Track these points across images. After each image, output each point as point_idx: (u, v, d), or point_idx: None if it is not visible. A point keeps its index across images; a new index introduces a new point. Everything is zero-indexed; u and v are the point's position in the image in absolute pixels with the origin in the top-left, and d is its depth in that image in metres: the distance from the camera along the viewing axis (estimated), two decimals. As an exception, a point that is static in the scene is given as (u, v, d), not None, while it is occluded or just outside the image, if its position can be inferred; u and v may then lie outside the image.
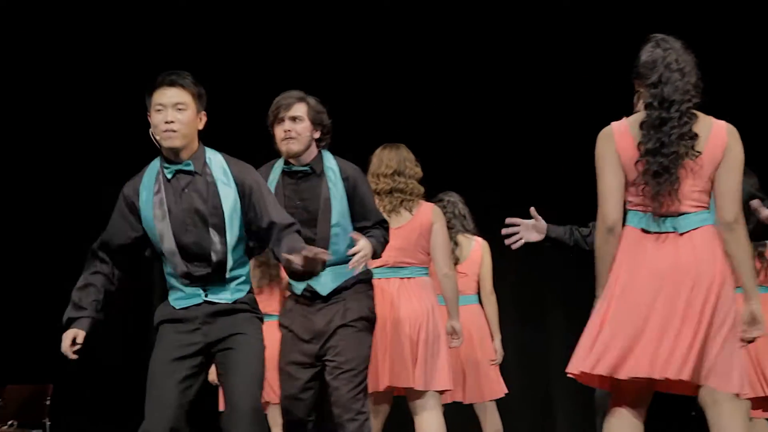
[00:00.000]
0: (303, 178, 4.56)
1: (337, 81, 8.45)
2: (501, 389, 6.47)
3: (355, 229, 4.58)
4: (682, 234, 3.49)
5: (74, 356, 4.13)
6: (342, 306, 4.56)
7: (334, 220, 4.51)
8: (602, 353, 3.44)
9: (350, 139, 7.57)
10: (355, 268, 4.44)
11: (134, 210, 4.08)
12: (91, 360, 7.99)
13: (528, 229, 4.37)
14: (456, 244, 6.27)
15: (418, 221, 5.35)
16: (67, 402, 8.23)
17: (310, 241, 4.28)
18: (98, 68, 8.78)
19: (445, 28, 8.75)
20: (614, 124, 3.60)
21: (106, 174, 8.52)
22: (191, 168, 4.03)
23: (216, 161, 4.11)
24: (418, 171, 5.44)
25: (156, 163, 4.11)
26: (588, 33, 8.37)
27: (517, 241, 4.32)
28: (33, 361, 8.30)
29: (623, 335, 3.45)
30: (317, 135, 4.56)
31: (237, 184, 4.06)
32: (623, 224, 3.59)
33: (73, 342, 4.09)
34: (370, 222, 4.67)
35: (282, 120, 4.51)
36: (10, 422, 7.73)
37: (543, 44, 8.47)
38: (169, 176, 4.04)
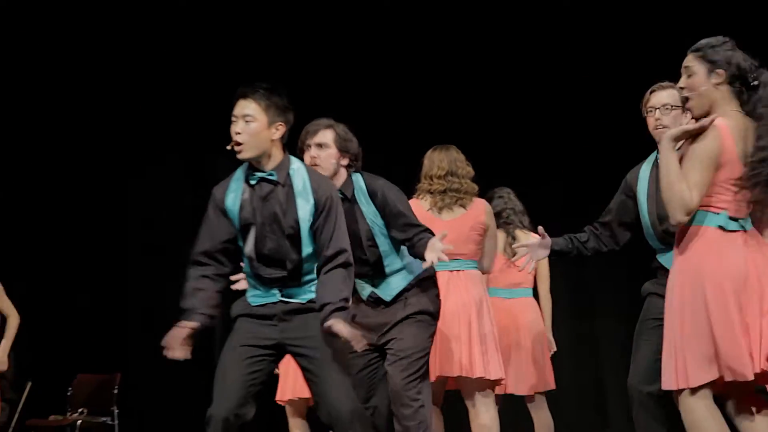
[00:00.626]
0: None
1: (369, 85, 8.41)
2: (551, 382, 6.43)
3: (401, 241, 4.60)
4: (747, 232, 3.62)
5: (181, 355, 4.15)
6: (403, 303, 4.62)
7: (378, 240, 4.57)
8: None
9: (385, 141, 7.74)
10: (413, 271, 4.57)
11: (224, 212, 4.16)
12: (157, 350, 8.40)
13: (536, 249, 4.56)
14: (514, 238, 6.32)
15: (471, 215, 5.39)
16: (134, 390, 8.38)
17: (363, 262, 4.48)
18: (121, 66, 8.72)
19: (473, 28, 8.59)
20: (719, 121, 3.60)
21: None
22: (274, 178, 4.10)
23: (299, 173, 4.15)
24: (470, 170, 5.49)
25: (243, 168, 4.19)
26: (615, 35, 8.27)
27: (528, 262, 4.52)
28: (101, 351, 8.47)
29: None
30: (345, 162, 4.58)
31: (315, 199, 4.11)
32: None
33: (184, 341, 4.12)
34: (413, 231, 4.60)
35: (309, 147, 4.55)
36: (80, 410, 7.94)
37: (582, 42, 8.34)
38: (252, 183, 4.11)
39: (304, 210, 4.08)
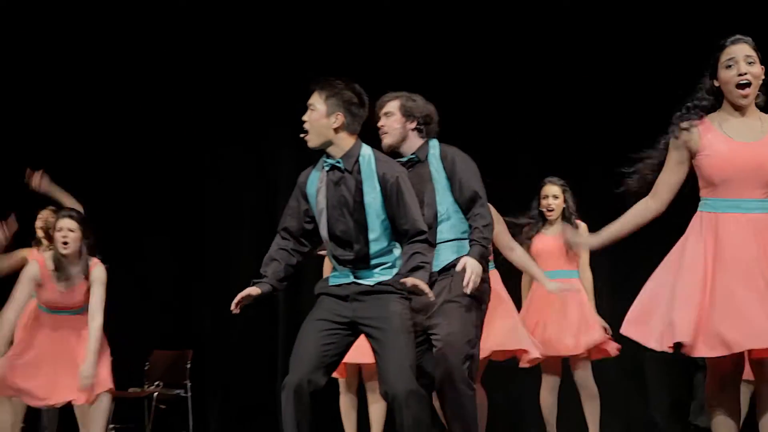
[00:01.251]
0: (410, 167, 4.54)
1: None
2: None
3: (460, 207, 4.51)
4: None
5: (236, 310, 4.26)
6: (449, 282, 4.52)
7: (439, 200, 4.49)
8: None
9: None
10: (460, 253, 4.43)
11: (305, 195, 4.30)
12: (225, 330, 8.60)
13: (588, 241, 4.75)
14: (577, 227, 6.44)
15: None
16: (204, 366, 8.61)
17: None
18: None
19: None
20: None
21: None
22: (341, 165, 4.20)
23: (367, 160, 4.25)
24: None
25: (324, 156, 4.32)
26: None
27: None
28: (175, 330, 8.74)
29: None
30: (412, 125, 4.56)
31: (381, 185, 4.19)
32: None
33: (246, 299, 4.25)
34: (473, 200, 4.53)
35: (379, 118, 4.60)
36: (156, 383, 8.21)
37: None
38: (326, 169, 4.25)
39: (370, 196, 4.18)
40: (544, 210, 6.46)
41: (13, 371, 5.83)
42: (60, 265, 5.79)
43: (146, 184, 8.92)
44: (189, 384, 8.37)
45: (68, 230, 5.79)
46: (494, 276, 5.75)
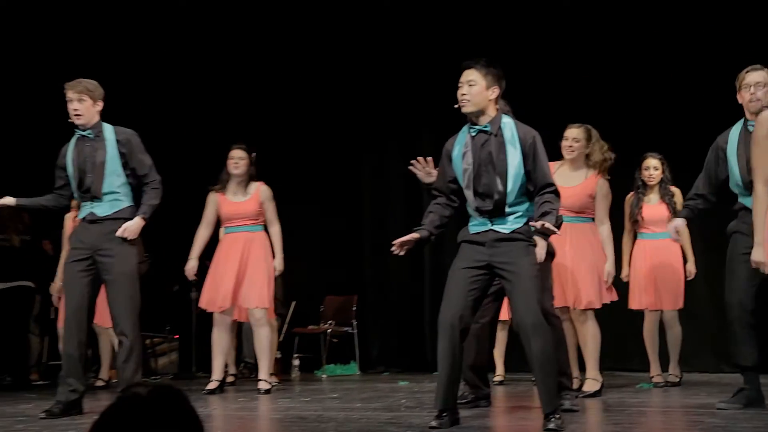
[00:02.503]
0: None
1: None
2: (680, 302, 6.78)
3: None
4: None
5: (400, 251, 4.40)
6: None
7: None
8: None
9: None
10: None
11: (450, 159, 4.43)
12: (385, 279, 9.31)
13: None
14: (673, 194, 6.69)
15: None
16: (370, 310, 9.29)
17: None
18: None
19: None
20: None
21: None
22: (489, 130, 4.33)
23: (508, 126, 4.37)
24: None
25: (467, 125, 4.42)
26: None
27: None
28: (344, 277, 9.32)
29: None
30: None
31: (521, 145, 4.31)
32: None
33: (408, 243, 4.40)
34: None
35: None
36: (329, 322, 8.92)
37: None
38: (473, 134, 4.36)
39: (513, 155, 4.32)
40: (645, 180, 6.68)
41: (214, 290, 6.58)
42: (231, 184, 6.66)
43: (322, 163, 9.38)
44: (355, 323, 8.99)
45: (239, 158, 6.72)
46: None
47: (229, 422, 5.04)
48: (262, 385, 6.57)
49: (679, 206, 6.52)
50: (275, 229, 6.75)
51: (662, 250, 6.64)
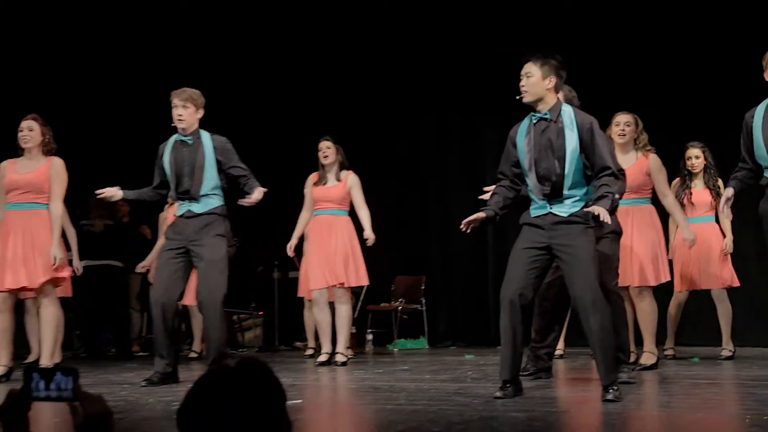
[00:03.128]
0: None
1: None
2: (733, 280, 6.71)
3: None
4: None
5: (467, 228, 4.37)
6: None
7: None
8: None
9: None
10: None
11: (514, 144, 4.40)
12: (450, 261, 9.33)
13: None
14: (717, 179, 6.59)
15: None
16: (438, 289, 9.28)
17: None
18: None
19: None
20: None
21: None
22: (548, 117, 4.28)
23: (566, 113, 4.31)
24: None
25: (529, 114, 4.39)
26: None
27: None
28: (412, 259, 9.38)
29: None
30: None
31: (579, 130, 4.24)
32: None
33: (475, 222, 4.36)
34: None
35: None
36: (400, 300, 8.92)
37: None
38: (534, 121, 4.33)
39: (571, 139, 4.25)
40: (690, 168, 6.59)
41: None
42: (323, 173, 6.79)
43: (391, 155, 9.33)
44: (423, 300, 8.98)
45: (327, 148, 6.80)
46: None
47: (309, 391, 5.10)
48: (339, 358, 6.63)
49: (722, 190, 6.36)
50: (364, 213, 6.82)
51: (705, 232, 6.56)
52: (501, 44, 8.11)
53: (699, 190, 6.64)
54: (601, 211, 4.04)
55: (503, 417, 3.63)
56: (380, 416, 3.75)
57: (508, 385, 4.27)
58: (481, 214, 4.38)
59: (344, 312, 6.77)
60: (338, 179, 6.82)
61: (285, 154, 8.40)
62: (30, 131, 5.83)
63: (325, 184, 6.83)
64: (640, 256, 5.90)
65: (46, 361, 5.70)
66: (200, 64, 8.72)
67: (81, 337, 8.38)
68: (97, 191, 5.48)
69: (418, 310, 9.08)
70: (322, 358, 6.70)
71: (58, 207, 5.81)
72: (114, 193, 5.50)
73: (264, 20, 9.04)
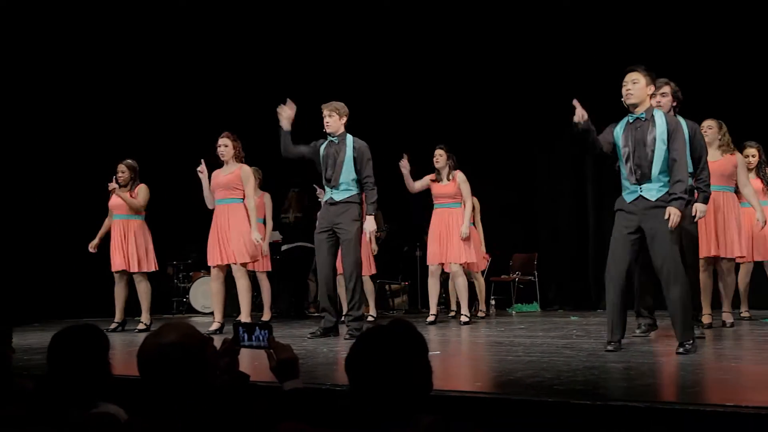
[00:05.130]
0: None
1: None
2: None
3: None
4: None
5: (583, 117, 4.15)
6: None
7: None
8: None
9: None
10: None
11: (612, 137, 4.25)
12: (557, 240, 9.03)
13: None
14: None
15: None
16: (547, 263, 9.08)
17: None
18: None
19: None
20: None
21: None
22: (644, 117, 4.15)
23: (659, 114, 4.19)
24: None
25: (624, 118, 4.24)
26: None
27: None
28: (527, 239, 9.25)
29: None
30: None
31: (667, 131, 4.10)
32: None
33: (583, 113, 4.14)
34: (698, 158, 4.39)
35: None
36: (516, 272, 8.92)
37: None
38: (631, 121, 4.19)
39: (660, 136, 4.10)
40: (747, 164, 6.16)
41: None
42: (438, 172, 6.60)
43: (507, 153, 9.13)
44: (536, 273, 8.93)
45: (439, 155, 6.75)
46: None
47: (443, 344, 5.11)
48: (463, 319, 6.65)
49: None
50: (468, 204, 6.82)
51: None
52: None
53: (753, 180, 6.33)
54: (673, 213, 3.96)
55: (603, 366, 3.53)
56: (502, 365, 3.72)
57: (613, 343, 4.18)
58: (586, 116, 4.16)
59: (461, 282, 6.77)
60: (450, 178, 6.80)
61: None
62: (225, 147, 6.10)
63: (438, 181, 6.83)
64: (729, 233, 5.77)
65: (245, 318, 5.95)
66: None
67: (274, 301, 8.72)
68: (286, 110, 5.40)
69: (532, 280, 8.99)
70: (430, 318, 6.75)
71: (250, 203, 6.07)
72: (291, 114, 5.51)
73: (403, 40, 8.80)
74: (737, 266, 6.25)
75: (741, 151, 6.29)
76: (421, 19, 8.47)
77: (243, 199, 6.00)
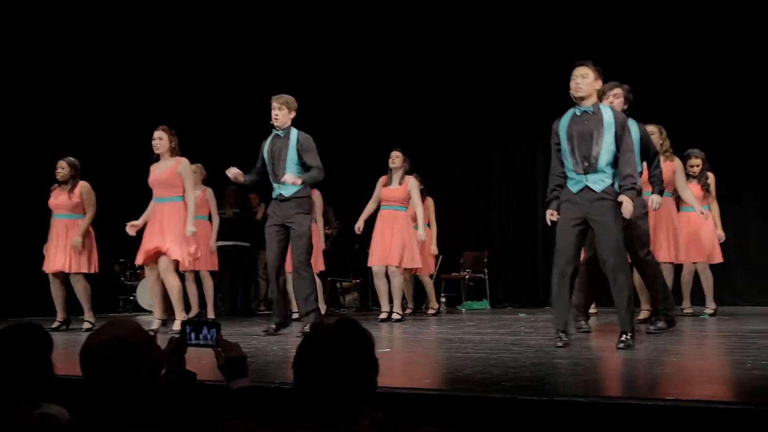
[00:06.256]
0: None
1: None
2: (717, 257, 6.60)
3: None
4: None
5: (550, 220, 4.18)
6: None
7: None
8: None
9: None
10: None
11: (558, 134, 4.25)
12: (506, 239, 9.19)
13: None
14: (707, 177, 6.59)
15: None
16: (497, 261, 9.22)
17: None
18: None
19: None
20: None
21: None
22: (590, 110, 4.17)
23: (606, 110, 4.21)
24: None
25: (570, 111, 4.23)
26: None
27: None
28: (478, 238, 9.27)
29: None
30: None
31: (615, 126, 4.13)
32: None
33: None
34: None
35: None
36: (467, 270, 8.94)
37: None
38: (578, 113, 4.20)
39: (608, 132, 4.13)
40: (689, 172, 6.54)
41: None
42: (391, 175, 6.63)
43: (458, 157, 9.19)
44: (486, 271, 9.05)
45: (395, 157, 6.76)
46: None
47: (393, 342, 5.12)
48: (394, 317, 6.71)
49: (711, 188, 6.62)
50: (419, 211, 6.82)
51: (695, 219, 6.50)
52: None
53: (693, 184, 6.62)
54: (621, 199, 4.02)
55: (550, 362, 3.59)
56: (452, 362, 3.76)
57: (562, 333, 4.19)
58: (550, 213, 4.31)
59: (396, 282, 6.80)
60: (401, 182, 6.79)
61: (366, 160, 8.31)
62: (160, 140, 5.82)
63: (390, 184, 6.82)
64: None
65: (179, 317, 5.73)
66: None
67: (222, 299, 8.52)
68: (231, 173, 5.42)
69: (482, 278, 9.07)
70: (382, 315, 6.75)
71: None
72: (238, 176, 5.49)
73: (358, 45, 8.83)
74: (679, 266, 6.46)
75: (685, 159, 6.50)
76: (376, 19, 8.51)
77: (183, 196, 5.75)
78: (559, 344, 4.12)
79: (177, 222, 5.67)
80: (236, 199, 8.17)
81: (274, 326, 5.37)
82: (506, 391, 2.71)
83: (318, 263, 7.13)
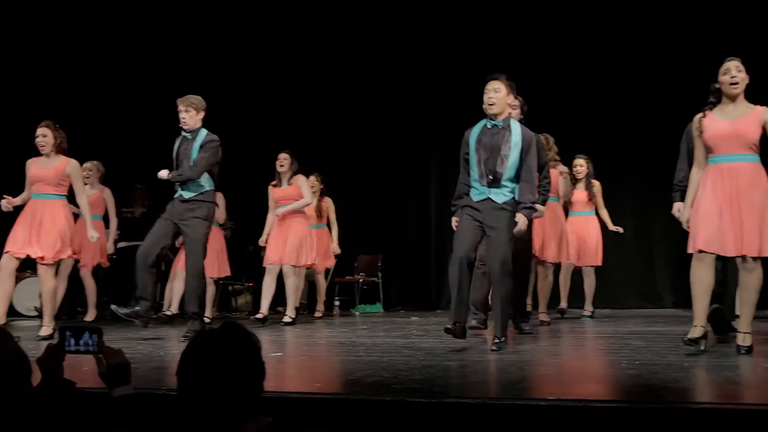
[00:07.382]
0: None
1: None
2: (599, 260, 6.89)
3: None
4: None
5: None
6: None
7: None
8: None
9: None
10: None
11: (467, 143, 4.27)
12: (401, 243, 9.10)
13: None
14: (593, 185, 6.84)
15: None
16: (391, 265, 9.09)
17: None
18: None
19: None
20: None
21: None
22: (501, 125, 4.23)
23: (515, 126, 4.22)
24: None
25: (481, 122, 4.27)
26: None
27: None
28: (371, 241, 9.24)
29: None
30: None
31: (522, 141, 4.19)
32: None
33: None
34: (541, 173, 4.52)
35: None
36: (361, 273, 8.88)
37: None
38: (489, 126, 4.23)
39: (516, 146, 4.20)
40: (575, 174, 6.84)
41: None
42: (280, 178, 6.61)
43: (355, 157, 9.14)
44: (380, 274, 8.99)
45: (283, 159, 6.68)
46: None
47: (285, 346, 5.07)
48: (285, 319, 6.65)
49: (596, 195, 6.87)
50: (306, 201, 6.82)
51: (583, 222, 6.85)
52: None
53: (579, 191, 6.93)
54: (518, 218, 4.15)
55: (440, 365, 3.64)
56: (344, 365, 3.76)
57: (457, 324, 4.21)
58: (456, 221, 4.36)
59: (291, 284, 6.74)
60: (291, 182, 6.77)
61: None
62: (44, 137, 5.48)
63: (281, 186, 6.79)
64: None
65: (47, 322, 5.46)
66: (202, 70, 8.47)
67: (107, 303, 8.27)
68: (160, 174, 5.22)
69: (375, 281, 9.05)
70: (259, 315, 6.59)
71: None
72: (163, 174, 5.31)
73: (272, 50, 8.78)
74: (557, 269, 6.66)
75: (571, 162, 6.79)
76: (278, 21, 8.52)
77: (65, 195, 5.48)
78: (448, 327, 4.16)
79: (54, 222, 5.40)
80: (144, 199, 7.85)
81: (139, 308, 5.14)
82: (396, 393, 2.74)
83: (223, 269, 7.10)
